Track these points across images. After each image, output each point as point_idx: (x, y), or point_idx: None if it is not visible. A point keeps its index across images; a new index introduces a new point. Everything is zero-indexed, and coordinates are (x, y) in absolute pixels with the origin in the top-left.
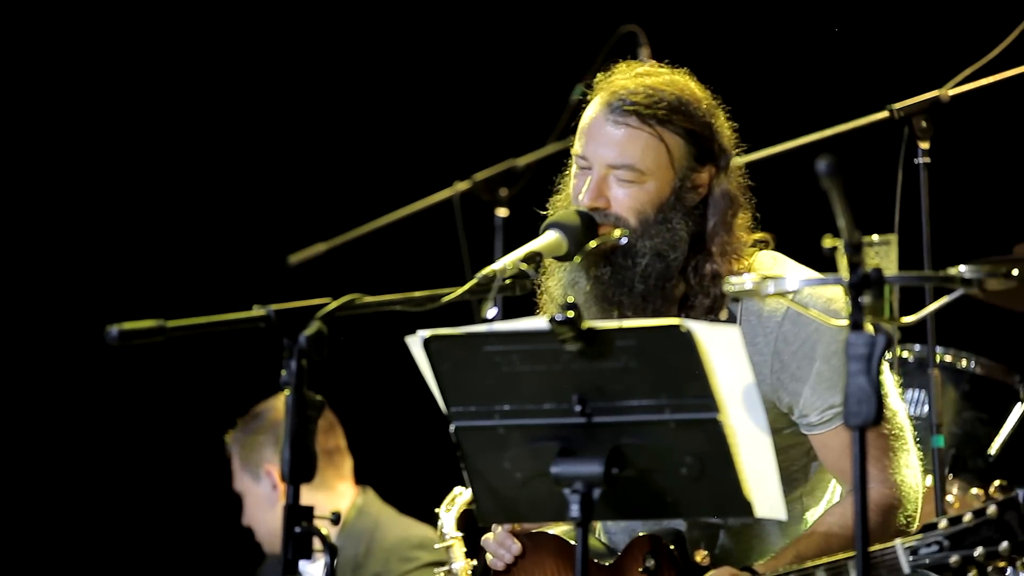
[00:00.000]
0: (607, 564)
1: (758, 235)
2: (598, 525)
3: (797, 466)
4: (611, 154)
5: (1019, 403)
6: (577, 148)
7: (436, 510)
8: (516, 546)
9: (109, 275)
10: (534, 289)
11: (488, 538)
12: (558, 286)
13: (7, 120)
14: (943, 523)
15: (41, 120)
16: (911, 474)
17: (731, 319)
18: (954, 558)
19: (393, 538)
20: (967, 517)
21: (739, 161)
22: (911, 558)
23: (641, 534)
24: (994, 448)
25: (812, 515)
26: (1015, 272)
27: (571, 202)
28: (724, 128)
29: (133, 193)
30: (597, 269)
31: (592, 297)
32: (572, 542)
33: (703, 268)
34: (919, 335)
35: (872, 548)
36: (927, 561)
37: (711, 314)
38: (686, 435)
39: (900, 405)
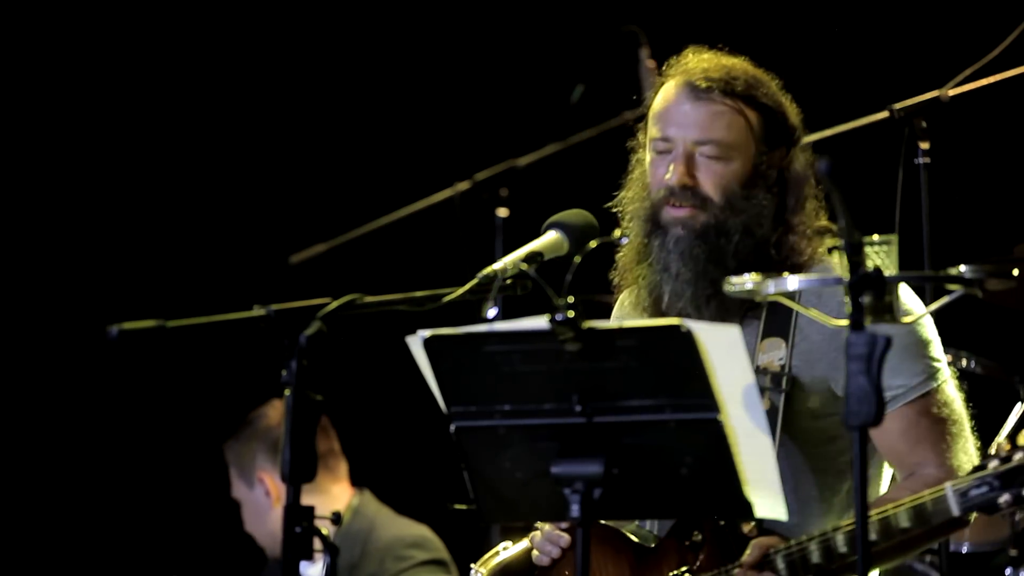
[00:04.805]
0: (652, 546)
1: (825, 223)
2: None
3: (846, 457)
4: (695, 132)
5: (1019, 403)
6: (655, 131)
7: (471, 565)
8: (565, 539)
9: (109, 275)
10: (536, 289)
11: (535, 535)
12: (645, 269)
13: (7, 120)
14: (993, 463)
15: (41, 120)
16: (967, 460)
17: (794, 295)
18: (1004, 497)
19: (388, 538)
20: (1018, 456)
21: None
22: (961, 500)
23: None
24: (994, 448)
25: None
26: (1015, 272)
27: (649, 190)
28: (792, 109)
29: (133, 193)
30: (693, 250)
31: (690, 276)
32: (624, 532)
33: (785, 243)
34: None
35: (921, 494)
36: (976, 502)
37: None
38: (686, 435)
39: (957, 394)
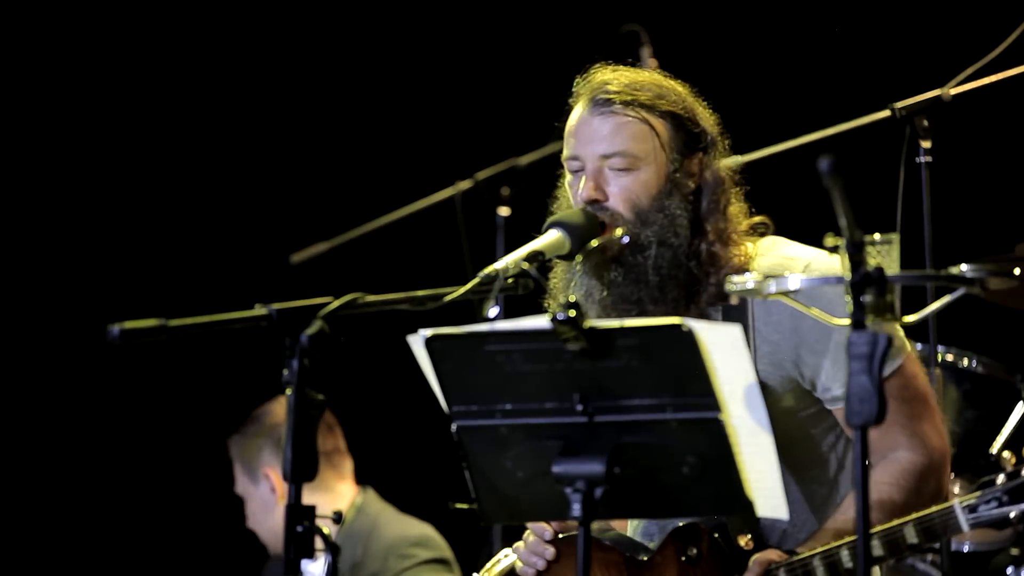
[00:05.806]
0: (644, 559)
1: (756, 219)
2: (631, 521)
3: (827, 446)
4: (601, 146)
5: (1021, 402)
6: (567, 152)
7: (474, 574)
8: (550, 551)
9: (110, 275)
10: (536, 289)
11: (519, 546)
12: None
13: (7, 120)
14: (1000, 479)
15: (41, 120)
16: (938, 437)
17: (742, 300)
18: (1014, 512)
19: (391, 536)
20: None
21: (736, 160)
22: (970, 516)
23: (681, 524)
24: (996, 447)
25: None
26: (1017, 271)
27: (570, 206)
28: (707, 116)
29: (134, 193)
30: (609, 273)
31: (611, 301)
32: (606, 542)
33: (701, 252)
34: (921, 334)
35: (929, 510)
36: (986, 518)
37: (722, 299)
38: (688, 434)
39: (920, 369)
